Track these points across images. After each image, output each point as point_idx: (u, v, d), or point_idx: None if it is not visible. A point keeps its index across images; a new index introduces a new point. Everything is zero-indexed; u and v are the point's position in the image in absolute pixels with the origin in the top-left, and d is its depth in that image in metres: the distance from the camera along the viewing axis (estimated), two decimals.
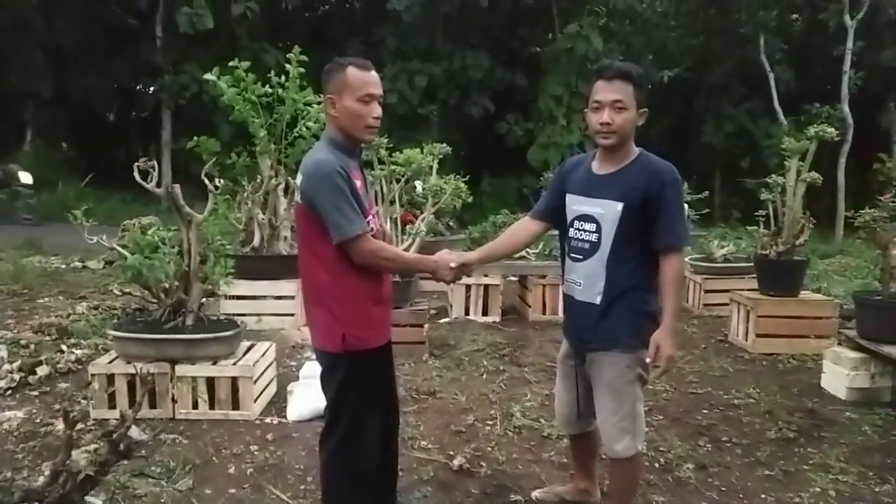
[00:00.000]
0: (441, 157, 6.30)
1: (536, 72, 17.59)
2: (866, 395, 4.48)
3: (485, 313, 6.68)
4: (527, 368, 5.13)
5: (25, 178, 13.97)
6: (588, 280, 2.61)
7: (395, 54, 17.48)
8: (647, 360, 2.55)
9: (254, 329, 6.05)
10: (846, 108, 16.14)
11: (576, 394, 2.83)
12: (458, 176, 6.28)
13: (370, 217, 2.45)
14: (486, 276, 6.69)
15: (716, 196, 16.84)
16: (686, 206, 7.38)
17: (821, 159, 5.54)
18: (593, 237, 2.59)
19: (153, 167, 4.19)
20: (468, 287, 6.66)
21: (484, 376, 4.95)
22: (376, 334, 2.51)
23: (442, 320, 6.58)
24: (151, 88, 17.73)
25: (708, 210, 11.33)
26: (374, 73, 2.43)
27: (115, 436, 2.78)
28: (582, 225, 2.63)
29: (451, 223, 9.16)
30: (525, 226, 2.90)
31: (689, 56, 20.44)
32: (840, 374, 4.57)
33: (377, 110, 2.41)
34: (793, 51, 18.42)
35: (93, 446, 3.32)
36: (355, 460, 2.47)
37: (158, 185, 4.19)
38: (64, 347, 5.12)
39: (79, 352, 5.06)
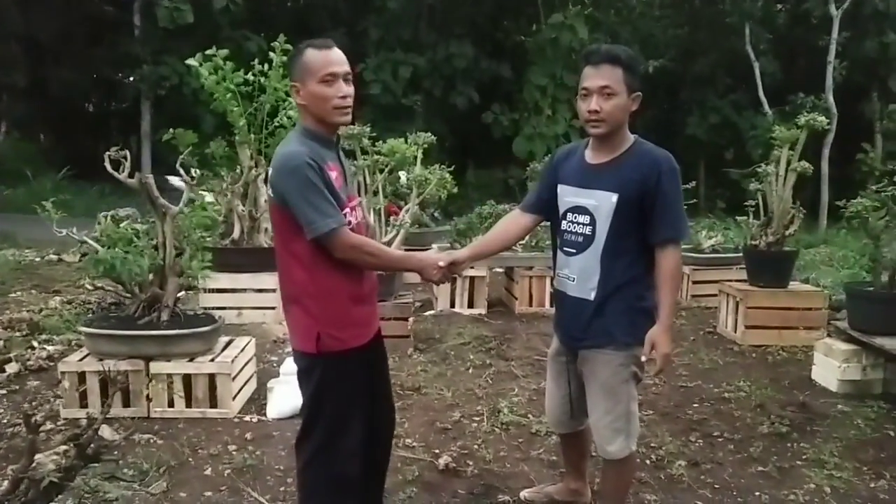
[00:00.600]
0: (426, 146, 6.15)
1: (522, 62, 17.46)
2: (858, 387, 4.42)
3: (471, 305, 6.57)
4: (514, 362, 5.03)
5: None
6: (581, 275, 2.50)
7: (379, 45, 17.26)
8: (643, 359, 2.45)
9: (234, 323, 5.92)
10: (831, 99, 16.15)
11: (568, 392, 2.73)
12: (442, 166, 6.13)
13: (347, 209, 2.30)
14: (471, 267, 6.56)
15: (701, 187, 16.81)
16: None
17: (805, 149, 5.46)
18: (587, 230, 2.47)
19: (125, 157, 4.02)
20: (454, 279, 6.54)
21: (470, 371, 4.84)
22: (357, 334, 2.36)
23: (427, 313, 6.46)
24: (130, 78, 17.36)
25: (695, 201, 11.30)
26: (335, 51, 2.26)
27: (82, 439, 2.65)
28: (575, 217, 2.52)
29: (436, 214, 9.03)
30: (516, 219, 2.76)
31: (674, 47, 20.39)
32: (831, 367, 4.50)
33: (343, 89, 2.24)
34: (778, 41, 18.41)
35: (62, 448, 3.17)
36: (333, 466, 2.32)
37: (131, 175, 4.02)
38: (35, 344, 4.95)
39: (51, 348, 4.89)
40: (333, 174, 2.26)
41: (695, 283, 6.98)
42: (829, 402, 4.29)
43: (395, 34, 17.18)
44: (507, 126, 17.20)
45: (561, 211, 2.57)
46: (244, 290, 6.02)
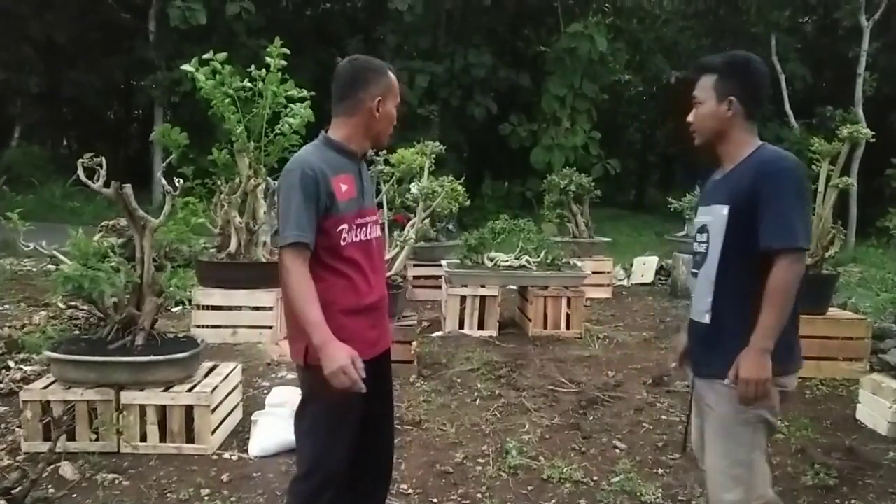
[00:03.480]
0: (434, 156, 5.77)
1: (541, 72, 17.10)
2: None
3: (481, 327, 6.15)
4: (525, 393, 4.60)
5: None
6: (696, 295, 2.29)
7: (396, 52, 16.98)
8: (725, 381, 2.10)
9: (228, 343, 5.57)
10: (860, 112, 15.60)
11: (699, 423, 2.37)
12: (451, 178, 5.75)
13: (350, 224, 2.23)
14: (483, 286, 6.17)
15: None
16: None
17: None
18: (702, 248, 2.27)
19: (100, 165, 3.67)
20: (463, 298, 6.14)
21: (477, 402, 4.43)
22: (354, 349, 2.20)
23: (434, 334, 6.06)
24: (141, 84, 17.23)
25: None
26: None
27: (14, 492, 2.28)
28: (698, 237, 2.32)
29: (450, 226, 8.65)
30: None
31: (698, 56, 19.92)
32: (880, 407, 4.03)
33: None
34: (805, 52, 17.90)
35: (18, 489, 2.81)
36: (314, 491, 2.24)
37: (107, 185, 3.67)
38: (11, 364, 4.61)
39: (28, 369, 4.55)
40: (344, 186, 2.22)
41: None
42: (880, 448, 3.81)
43: (413, 42, 16.91)
44: (525, 137, 16.82)
45: (694, 232, 2.39)
46: (239, 308, 5.65)
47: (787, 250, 2.04)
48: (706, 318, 2.21)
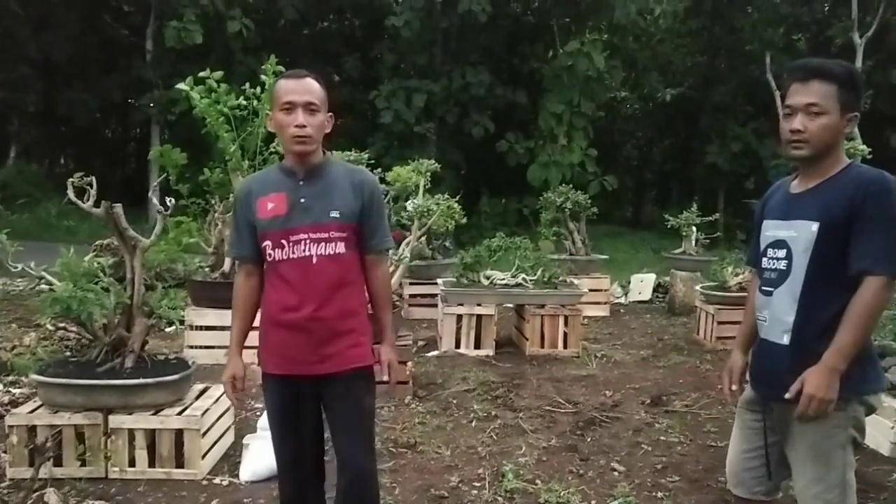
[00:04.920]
0: (430, 174, 5.74)
1: (537, 89, 17.17)
2: None
3: (477, 346, 6.08)
4: (522, 414, 4.54)
5: None
6: (773, 315, 2.17)
7: (394, 71, 17.05)
8: (786, 396, 2.04)
9: (221, 364, 5.47)
10: (856, 128, 15.63)
11: (761, 448, 2.27)
12: (447, 196, 5.72)
13: (294, 238, 2.24)
14: (479, 305, 6.12)
15: (720, 217, 16.38)
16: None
17: None
18: (782, 265, 2.16)
19: (90, 184, 3.64)
20: (459, 317, 6.08)
21: (473, 423, 4.36)
22: (271, 361, 2.33)
23: (430, 354, 5.99)
24: (139, 102, 17.27)
25: (719, 234, 10.81)
26: (301, 81, 2.27)
27: None
28: (774, 253, 2.20)
29: (447, 244, 8.61)
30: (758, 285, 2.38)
31: (694, 74, 20.05)
32: (882, 427, 3.97)
33: (299, 118, 2.22)
34: None
35: None
36: (279, 487, 2.46)
37: (98, 204, 3.63)
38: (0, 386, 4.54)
39: (17, 391, 4.49)
40: (270, 204, 2.27)
41: (720, 323, 6.47)
42: (883, 469, 3.75)
43: (410, 61, 16.97)
44: (522, 154, 16.85)
45: (762, 247, 2.27)
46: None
47: (875, 272, 1.99)
48: (785, 339, 2.13)
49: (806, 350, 2.06)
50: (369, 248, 2.37)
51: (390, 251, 5.45)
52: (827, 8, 18.14)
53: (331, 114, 2.34)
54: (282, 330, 2.28)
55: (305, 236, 2.25)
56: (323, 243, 2.26)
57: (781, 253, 2.17)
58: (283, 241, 2.26)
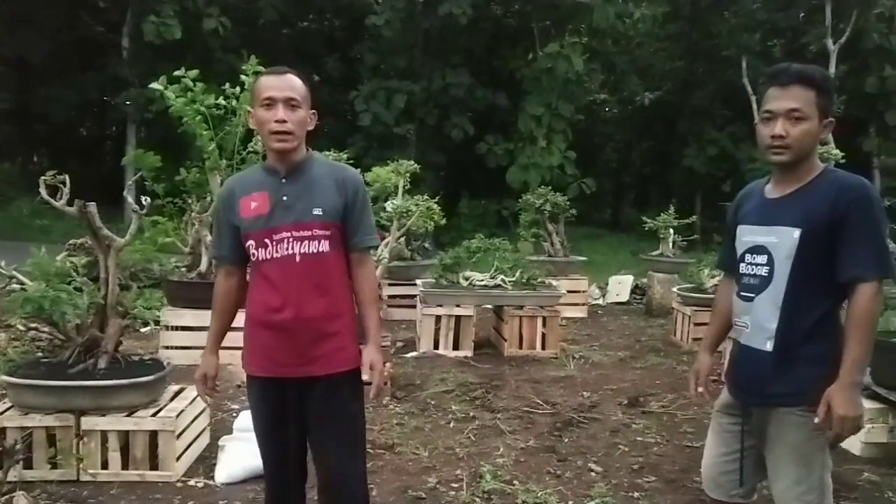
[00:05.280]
0: (409, 175, 5.73)
1: (517, 92, 17.23)
2: (885, 451, 3.95)
3: (456, 347, 6.08)
4: (500, 415, 4.55)
5: None
6: (756, 322, 2.16)
7: (374, 72, 17.01)
8: (815, 420, 2.03)
9: (198, 364, 5.41)
10: (829, 133, 15.90)
11: (736, 452, 2.28)
12: (427, 197, 5.71)
13: (277, 237, 2.21)
14: (458, 306, 6.12)
15: (696, 220, 16.56)
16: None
17: None
18: (763, 271, 2.15)
19: (63, 182, 3.58)
20: (438, 318, 6.08)
21: (451, 424, 4.36)
22: (255, 362, 2.31)
23: (409, 355, 5.98)
24: (115, 101, 17.06)
25: (696, 236, 10.92)
26: (282, 77, 2.24)
27: None
28: (753, 258, 2.20)
29: (426, 245, 8.60)
30: (729, 288, 2.36)
31: (672, 78, 20.26)
32: None
33: (279, 114, 2.18)
34: None
35: None
36: (265, 489, 2.47)
37: (71, 203, 3.57)
38: None
39: None
40: (253, 204, 2.25)
41: (696, 325, 6.53)
42: (854, 468, 3.81)
43: (391, 61, 16.95)
44: (502, 156, 16.90)
45: (738, 252, 2.26)
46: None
47: (868, 279, 2.01)
48: (768, 346, 2.13)
49: (789, 356, 2.08)
50: (353, 245, 2.31)
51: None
52: (802, 15, 18.40)
53: (314, 111, 2.30)
54: (266, 331, 2.25)
55: (288, 234, 2.21)
56: (306, 241, 2.22)
57: (762, 259, 2.16)
58: (267, 241, 2.23)
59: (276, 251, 2.22)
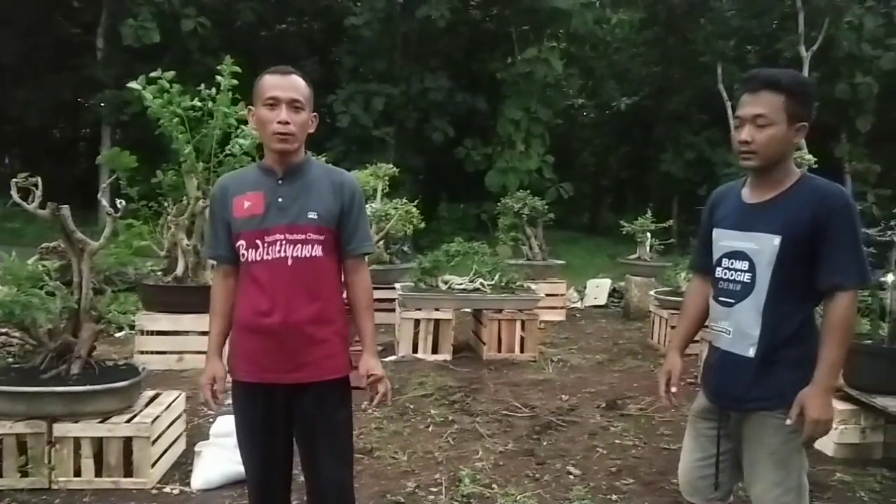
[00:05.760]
0: (388, 179, 5.72)
1: (496, 96, 17.30)
2: (857, 451, 4.02)
3: (435, 351, 6.08)
4: (479, 418, 4.54)
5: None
6: (738, 328, 2.16)
7: (353, 74, 16.99)
8: (787, 422, 2.05)
9: (174, 369, 5.39)
10: (801, 139, 16.18)
11: (712, 456, 2.29)
12: (406, 200, 5.71)
13: (269, 239, 2.17)
14: (437, 310, 6.12)
15: (673, 224, 16.74)
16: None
17: None
18: (745, 277, 2.15)
19: (35, 185, 3.52)
20: (417, 322, 6.07)
21: (430, 428, 4.35)
22: (241, 367, 2.26)
23: (388, 359, 5.96)
24: (89, 102, 16.85)
25: (673, 240, 11.04)
26: (287, 78, 2.20)
27: None
28: (732, 263, 2.19)
29: (405, 248, 8.58)
30: (700, 289, 2.37)
31: (649, 84, 20.47)
32: None
33: (282, 115, 2.14)
34: None
35: None
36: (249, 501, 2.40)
37: (43, 205, 3.51)
38: None
39: None
40: (247, 203, 2.20)
41: (673, 328, 6.56)
42: (827, 469, 3.86)
43: (370, 65, 16.94)
44: (480, 160, 16.96)
45: (715, 257, 2.25)
46: (186, 333, 5.47)
47: (846, 287, 2.03)
48: (751, 352, 2.13)
49: (771, 362, 2.10)
50: (349, 251, 2.27)
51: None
52: (776, 22, 18.73)
53: (315, 114, 2.27)
54: (254, 336, 2.21)
55: (281, 237, 2.17)
56: (299, 245, 2.18)
57: (743, 265, 2.16)
58: (258, 242, 2.18)
59: (267, 253, 2.17)
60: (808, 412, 2.01)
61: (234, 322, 2.27)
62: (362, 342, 2.31)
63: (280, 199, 2.19)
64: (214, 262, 2.43)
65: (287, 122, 2.14)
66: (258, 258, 2.18)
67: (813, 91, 2.18)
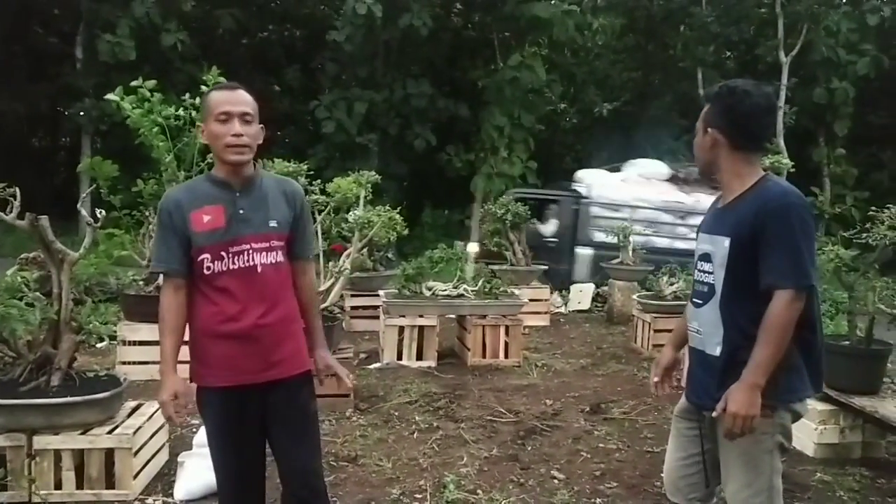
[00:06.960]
0: (371, 185, 5.73)
1: (478, 102, 17.35)
2: (836, 451, 4.08)
3: (419, 357, 6.08)
4: (463, 424, 4.55)
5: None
6: (707, 328, 2.24)
7: (335, 82, 16.97)
8: (713, 414, 2.12)
9: (156, 379, 5.30)
10: (782, 143, 16.39)
11: (697, 455, 2.33)
12: (388, 207, 5.71)
13: (235, 249, 2.25)
14: (421, 316, 6.12)
15: None
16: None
17: None
18: (710, 279, 2.24)
19: (13, 195, 3.49)
20: (401, 329, 6.07)
21: (415, 435, 4.35)
22: (213, 374, 2.29)
23: (372, 366, 5.95)
24: (68, 112, 16.69)
25: None
26: (235, 92, 2.30)
27: None
28: (702, 266, 2.30)
29: (389, 255, 8.58)
30: None
31: (630, 89, 20.64)
32: (806, 429, 4.15)
33: (235, 128, 2.23)
34: None
35: None
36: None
37: (21, 216, 3.48)
38: None
39: None
40: (206, 217, 2.26)
41: (657, 331, 6.65)
42: (808, 469, 3.91)
43: (352, 72, 16.91)
44: (462, 167, 17.00)
45: (695, 259, 2.37)
46: None
47: (781, 287, 2.06)
48: (717, 351, 2.19)
49: (735, 361, 2.14)
50: (299, 254, 2.42)
51: (331, 263, 5.41)
52: (754, 28, 18.96)
53: (261, 125, 2.35)
54: (227, 341, 2.27)
55: (248, 246, 2.28)
56: (265, 252, 2.30)
57: (708, 266, 2.25)
58: (223, 253, 2.26)
59: (234, 263, 2.26)
60: (728, 405, 2.06)
61: (196, 332, 2.32)
62: (314, 338, 2.47)
63: (241, 211, 2.29)
64: (162, 276, 2.44)
65: (241, 135, 2.24)
66: (224, 269, 2.26)
67: (737, 98, 2.18)
